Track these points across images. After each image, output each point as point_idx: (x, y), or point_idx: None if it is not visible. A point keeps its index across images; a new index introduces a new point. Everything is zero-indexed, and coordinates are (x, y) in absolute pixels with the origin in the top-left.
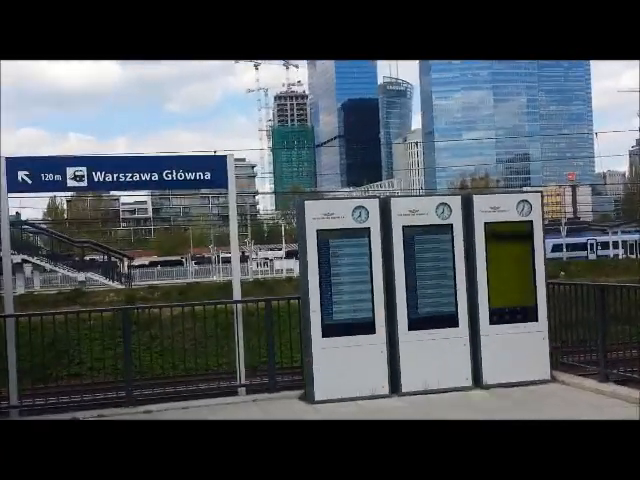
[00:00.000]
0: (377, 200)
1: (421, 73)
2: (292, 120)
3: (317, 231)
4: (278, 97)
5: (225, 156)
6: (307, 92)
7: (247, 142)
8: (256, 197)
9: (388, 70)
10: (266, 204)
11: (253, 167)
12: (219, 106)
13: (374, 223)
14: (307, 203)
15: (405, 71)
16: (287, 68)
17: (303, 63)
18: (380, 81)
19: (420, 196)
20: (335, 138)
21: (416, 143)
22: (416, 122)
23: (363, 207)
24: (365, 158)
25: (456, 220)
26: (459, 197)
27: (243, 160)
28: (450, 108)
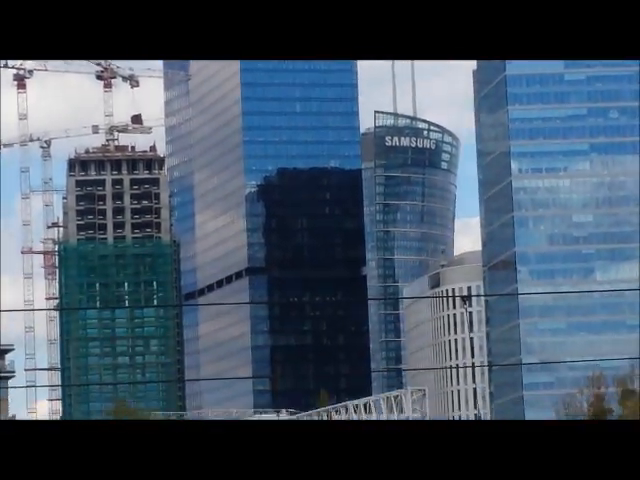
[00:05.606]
0: None
1: None
2: (119, 227)
3: None
4: (78, 162)
5: None
6: (164, 154)
7: None
8: None
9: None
10: None
11: None
12: None
13: None
14: None
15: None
16: (108, 88)
17: (156, 87)
18: (366, 124)
19: None
20: (242, 274)
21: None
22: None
23: None
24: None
25: None
26: None
27: None
28: None
